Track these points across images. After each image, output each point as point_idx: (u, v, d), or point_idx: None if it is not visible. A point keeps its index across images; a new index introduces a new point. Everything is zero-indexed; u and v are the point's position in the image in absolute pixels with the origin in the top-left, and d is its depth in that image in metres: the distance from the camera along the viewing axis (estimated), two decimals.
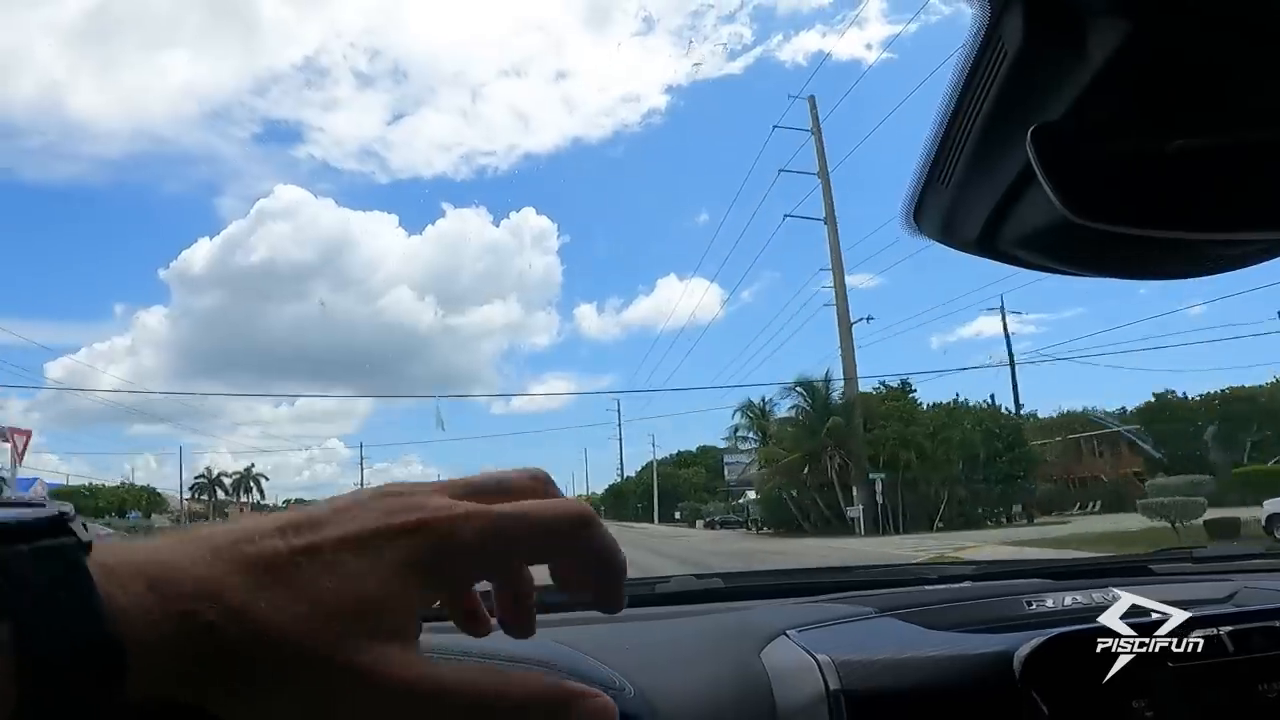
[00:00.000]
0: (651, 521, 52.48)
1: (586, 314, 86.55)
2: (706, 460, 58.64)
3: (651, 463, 61.21)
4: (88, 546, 0.29)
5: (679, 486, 57.40)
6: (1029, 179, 0.46)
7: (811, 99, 31.53)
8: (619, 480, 68.03)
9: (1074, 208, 0.43)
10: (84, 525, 0.30)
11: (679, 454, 65.17)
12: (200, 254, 73.12)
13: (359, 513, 0.33)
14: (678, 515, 52.59)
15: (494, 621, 0.39)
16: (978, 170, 0.51)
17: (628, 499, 62.42)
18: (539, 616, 0.39)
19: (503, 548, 0.34)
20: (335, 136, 79.28)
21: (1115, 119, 0.45)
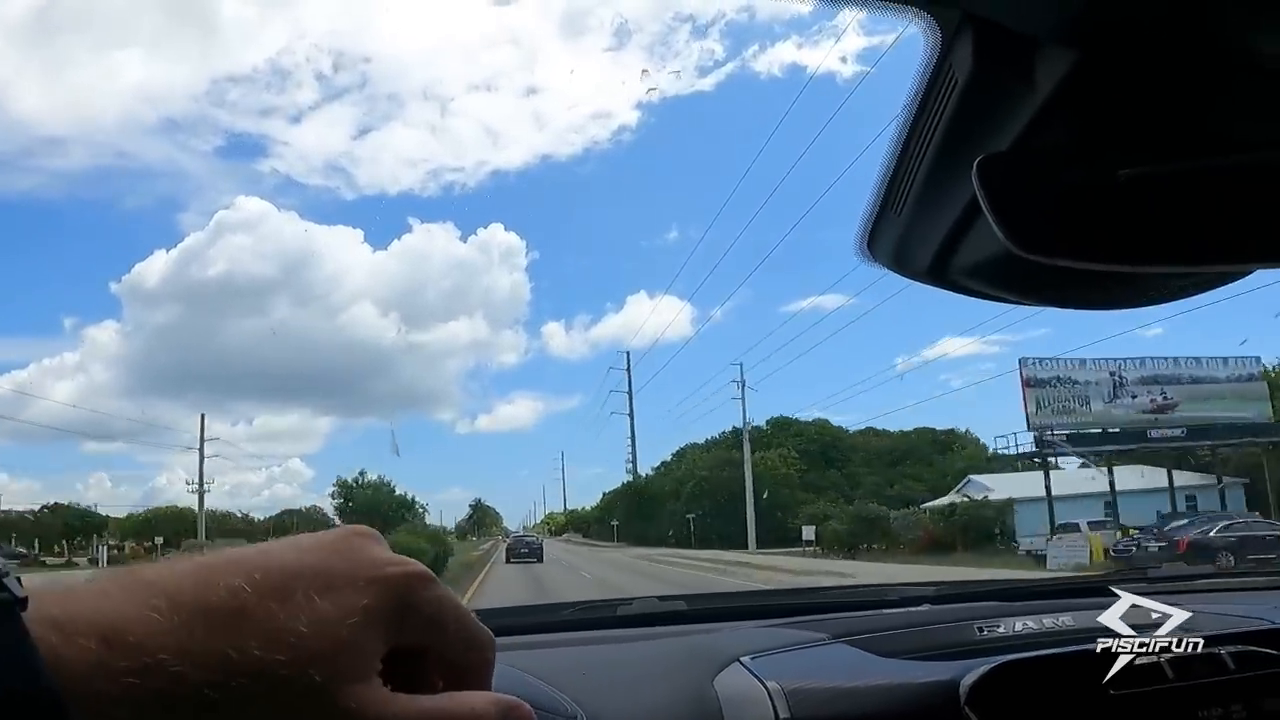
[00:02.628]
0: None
1: (554, 332, 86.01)
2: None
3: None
4: (23, 602, 0.28)
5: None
6: (979, 209, 0.45)
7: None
8: (634, 479, 60.46)
9: (1019, 241, 0.43)
10: (18, 580, 0.29)
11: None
12: (155, 267, 70.75)
13: (327, 557, 0.33)
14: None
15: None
16: (929, 200, 0.51)
17: (656, 505, 53.85)
18: (500, 639, 0.40)
19: (447, 618, 0.35)
20: (300, 151, 78.05)
21: (1063, 148, 0.45)
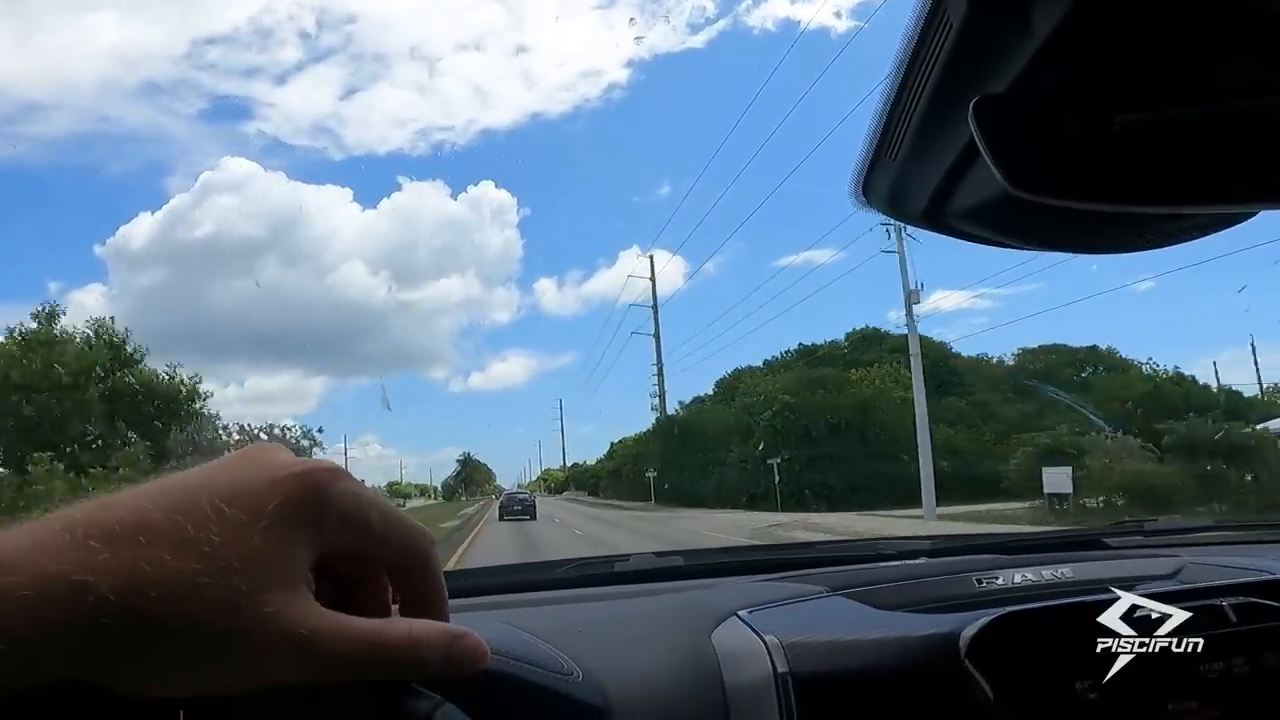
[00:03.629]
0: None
1: (547, 289, 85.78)
2: None
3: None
4: None
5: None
6: (975, 153, 0.45)
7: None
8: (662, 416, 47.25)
9: (1016, 182, 0.43)
10: None
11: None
12: (140, 229, 70.06)
13: (231, 468, 0.33)
14: None
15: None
16: (924, 144, 0.50)
17: (705, 447, 36.81)
18: (494, 598, 0.40)
19: (369, 515, 0.34)
20: (286, 113, 77.21)
21: (1060, 92, 0.44)
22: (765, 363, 43.67)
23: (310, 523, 0.32)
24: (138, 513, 0.30)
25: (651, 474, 42.15)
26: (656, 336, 48.15)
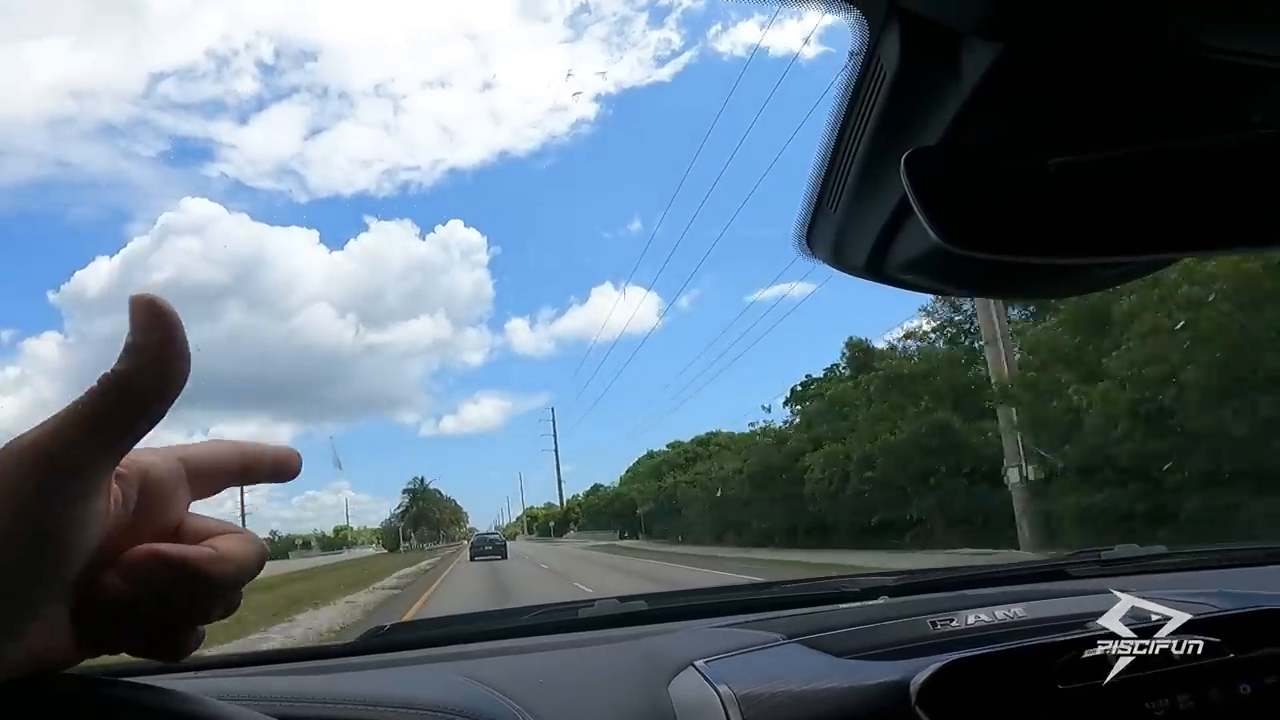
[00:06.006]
0: None
1: (519, 328, 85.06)
2: None
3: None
4: None
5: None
6: (910, 205, 0.45)
7: None
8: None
9: (949, 236, 0.43)
10: None
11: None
12: (97, 275, 68.62)
13: None
14: None
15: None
16: (862, 196, 0.51)
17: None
18: (459, 648, 0.39)
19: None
20: (249, 155, 76.49)
21: (993, 140, 0.45)
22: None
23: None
24: None
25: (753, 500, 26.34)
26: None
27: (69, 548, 0.32)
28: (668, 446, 47.25)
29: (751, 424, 33.76)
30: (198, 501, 0.38)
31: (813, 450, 23.13)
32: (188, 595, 0.35)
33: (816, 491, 22.04)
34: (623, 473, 55.91)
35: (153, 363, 0.33)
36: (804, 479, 22.64)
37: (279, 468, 0.39)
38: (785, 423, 29.78)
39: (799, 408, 29.67)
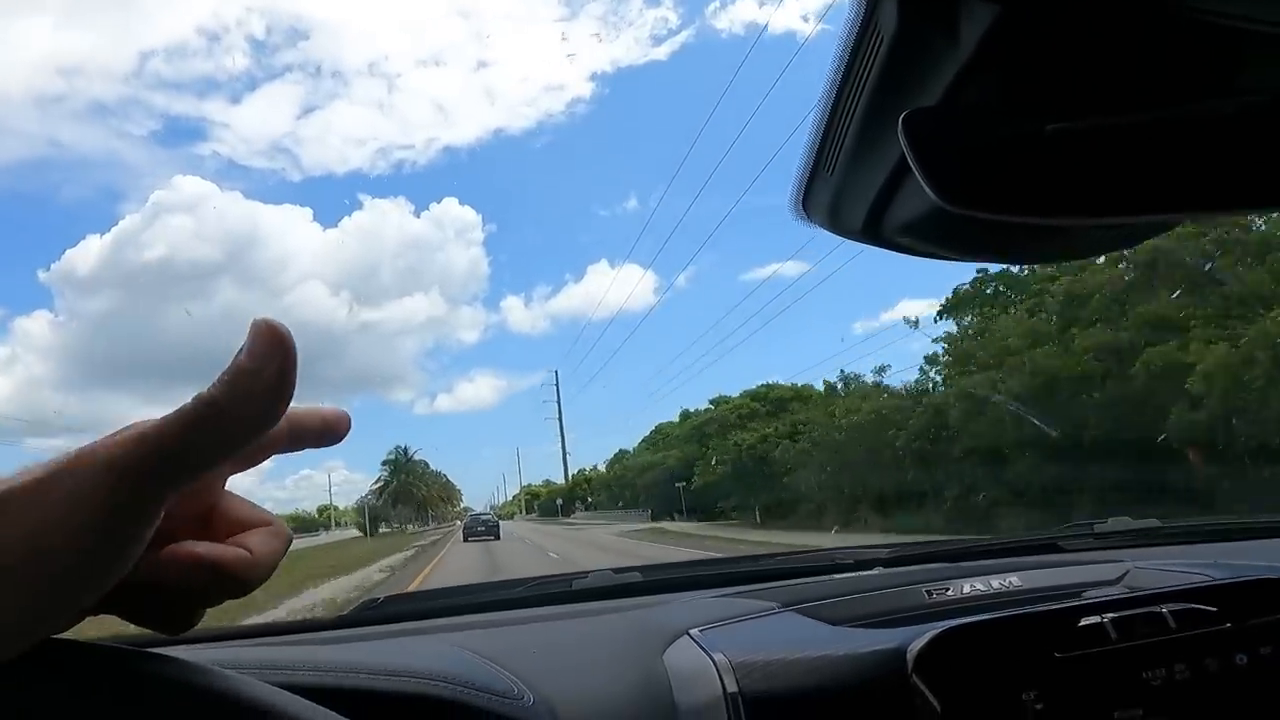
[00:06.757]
0: None
1: (514, 306, 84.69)
2: None
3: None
4: None
5: None
6: (909, 166, 0.45)
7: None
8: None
9: (947, 195, 0.42)
10: None
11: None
12: (88, 253, 67.93)
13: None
14: None
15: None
16: (860, 158, 0.50)
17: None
18: (450, 620, 0.39)
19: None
20: (242, 134, 75.67)
21: (991, 103, 0.44)
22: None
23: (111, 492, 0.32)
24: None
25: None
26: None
27: (127, 562, 0.32)
28: (710, 404, 37.63)
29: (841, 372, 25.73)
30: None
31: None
32: (217, 593, 0.36)
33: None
34: (637, 443, 48.34)
35: (263, 392, 0.31)
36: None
37: (328, 430, 0.37)
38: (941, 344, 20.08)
39: (966, 319, 20.43)
